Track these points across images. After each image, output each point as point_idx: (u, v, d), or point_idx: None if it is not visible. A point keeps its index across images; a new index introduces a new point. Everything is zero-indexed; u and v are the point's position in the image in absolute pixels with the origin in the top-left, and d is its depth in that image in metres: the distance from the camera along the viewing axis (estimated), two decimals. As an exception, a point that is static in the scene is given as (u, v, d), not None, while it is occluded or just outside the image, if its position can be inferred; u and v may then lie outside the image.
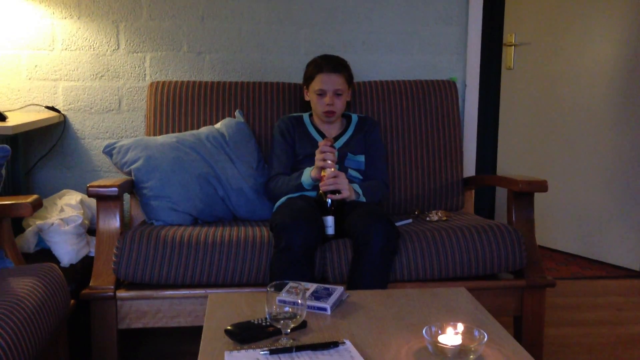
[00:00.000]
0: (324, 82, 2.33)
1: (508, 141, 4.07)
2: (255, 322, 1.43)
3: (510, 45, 3.93)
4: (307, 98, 2.44)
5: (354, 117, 2.50)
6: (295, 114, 2.50)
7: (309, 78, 2.38)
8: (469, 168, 3.02)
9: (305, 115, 2.49)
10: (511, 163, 4.04)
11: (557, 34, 3.70)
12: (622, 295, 3.08)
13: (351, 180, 2.33)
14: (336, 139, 2.42)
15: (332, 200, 2.14)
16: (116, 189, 2.08)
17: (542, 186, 2.23)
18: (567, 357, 2.37)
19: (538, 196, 2.28)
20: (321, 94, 2.34)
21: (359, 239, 2.01)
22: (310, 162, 2.29)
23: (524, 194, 2.27)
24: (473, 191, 2.78)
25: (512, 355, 1.32)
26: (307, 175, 2.23)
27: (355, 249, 2.03)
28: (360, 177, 2.41)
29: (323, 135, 2.42)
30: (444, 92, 2.73)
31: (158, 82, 2.62)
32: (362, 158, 2.42)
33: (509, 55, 3.96)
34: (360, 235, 2.00)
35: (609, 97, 3.51)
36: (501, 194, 4.10)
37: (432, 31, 2.96)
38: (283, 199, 2.30)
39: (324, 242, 2.11)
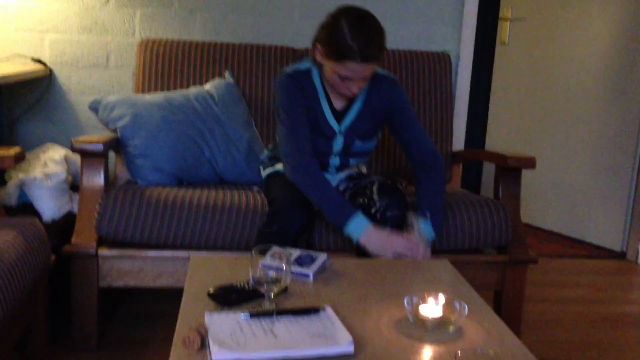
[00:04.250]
0: (353, 70, 1.83)
1: (498, 117, 4.06)
2: (238, 285, 1.42)
3: (506, 20, 3.89)
4: (319, 60, 1.93)
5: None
6: (302, 67, 2.01)
7: (333, 53, 1.84)
8: (458, 142, 3.01)
9: (315, 72, 2.01)
10: (499, 139, 4.04)
11: (554, 11, 3.67)
12: (602, 275, 3.12)
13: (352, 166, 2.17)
14: (343, 113, 2.04)
15: None
16: (101, 145, 2.05)
17: (530, 163, 2.23)
18: (545, 333, 2.40)
19: (524, 173, 2.28)
20: (345, 79, 1.88)
21: (372, 210, 1.94)
22: (314, 136, 2.02)
23: (512, 170, 2.27)
24: (460, 165, 2.78)
25: (492, 328, 1.33)
26: (357, 235, 1.83)
27: (370, 220, 1.92)
28: (367, 156, 2.21)
29: (333, 108, 2.02)
30: (438, 64, 2.70)
31: (148, 40, 2.57)
32: (374, 141, 2.13)
33: (504, 30, 3.93)
34: (374, 207, 1.93)
35: (600, 78, 3.50)
36: (488, 169, 4.11)
37: (427, 1, 2.92)
38: (273, 170, 2.19)
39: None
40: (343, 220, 1.84)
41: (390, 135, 2.55)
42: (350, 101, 2.04)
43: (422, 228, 1.90)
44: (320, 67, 1.98)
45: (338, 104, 2.04)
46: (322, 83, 2.01)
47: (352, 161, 2.14)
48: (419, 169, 2.05)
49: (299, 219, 1.88)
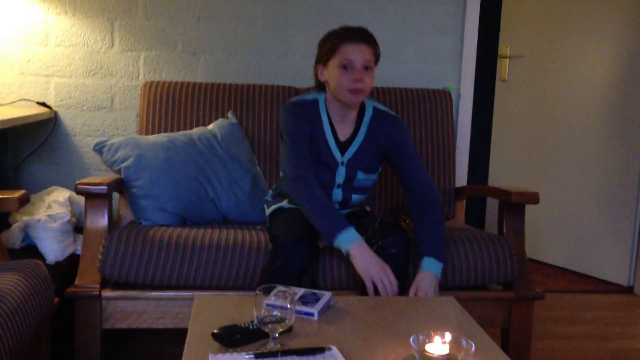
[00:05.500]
0: (350, 52, 1.93)
1: (500, 152, 4.07)
2: (242, 325, 1.41)
3: (505, 57, 3.94)
4: (322, 78, 2.05)
5: (368, 110, 2.10)
6: (308, 97, 2.09)
7: (329, 51, 1.97)
8: (461, 178, 3.01)
9: (321, 100, 2.08)
10: (502, 174, 4.05)
11: (552, 47, 3.71)
12: (609, 310, 3.08)
13: (354, 206, 2.19)
14: (346, 144, 2.09)
15: None
16: (105, 187, 2.05)
17: (534, 198, 2.23)
18: (554, 371, 2.37)
19: (528, 208, 2.28)
20: (347, 65, 1.94)
21: (375, 249, 1.93)
22: (317, 166, 2.06)
23: (516, 206, 2.26)
24: (464, 201, 2.78)
25: (500, 366, 1.31)
26: (347, 245, 1.86)
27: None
28: (367, 194, 2.22)
29: (336, 135, 2.08)
30: (439, 101, 2.72)
31: (152, 82, 2.61)
32: (375, 176, 2.16)
33: (503, 67, 3.97)
34: (377, 245, 1.94)
35: (601, 112, 3.52)
36: (491, 205, 4.10)
37: (427, 40, 2.96)
38: (277, 206, 2.20)
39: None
40: (335, 231, 1.87)
41: (391, 173, 2.57)
42: (354, 133, 2.09)
43: (426, 266, 1.93)
44: (325, 92, 2.07)
45: (342, 135, 2.09)
46: (327, 113, 2.07)
47: (354, 197, 2.16)
48: (417, 207, 2.08)
49: (302, 255, 1.87)
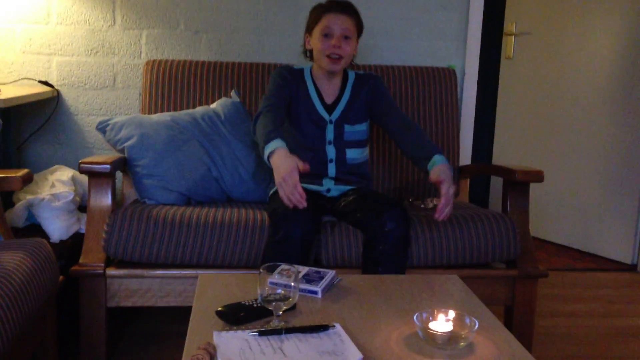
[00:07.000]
0: (331, 22, 2.11)
1: (504, 131, 4.06)
2: (246, 303, 1.42)
3: (511, 35, 3.90)
4: (309, 46, 2.22)
5: (351, 75, 2.29)
6: (296, 67, 2.29)
7: (313, 21, 2.16)
8: (465, 156, 3.00)
9: (307, 69, 2.28)
10: (507, 153, 4.03)
11: (558, 24, 3.68)
12: (613, 288, 3.09)
13: (351, 170, 2.24)
14: (333, 106, 2.23)
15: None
16: (108, 166, 2.05)
17: (538, 176, 2.22)
18: (557, 348, 2.38)
19: (532, 187, 2.27)
20: (327, 34, 2.12)
21: (372, 226, 1.95)
22: (308, 126, 2.20)
23: (520, 184, 2.26)
24: (468, 180, 2.77)
25: (503, 344, 1.31)
26: (269, 150, 1.92)
27: (371, 236, 1.96)
28: (362, 150, 2.27)
29: (322, 98, 2.23)
30: (443, 79, 2.70)
31: (154, 61, 2.59)
32: (363, 127, 2.26)
33: (509, 45, 3.93)
34: (374, 222, 1.94)
35: (607, 91, 3.49)
36: (496, 184, 4.10)
37: (432, 17, 2.93)
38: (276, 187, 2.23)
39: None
40: (265, 141, 1.94)
41: (401, 154, 2.56)
42: (339, 96, 2.24)
43: (439, 161, 2.01)
44: (311, 60, 2.25)
45: (328, 99, 2.24)
46: (312, 80, 2.25)
47: (349, 153, 2.22)
48: (402, 137, 2.18)
49: (302, 223, 1.89)
